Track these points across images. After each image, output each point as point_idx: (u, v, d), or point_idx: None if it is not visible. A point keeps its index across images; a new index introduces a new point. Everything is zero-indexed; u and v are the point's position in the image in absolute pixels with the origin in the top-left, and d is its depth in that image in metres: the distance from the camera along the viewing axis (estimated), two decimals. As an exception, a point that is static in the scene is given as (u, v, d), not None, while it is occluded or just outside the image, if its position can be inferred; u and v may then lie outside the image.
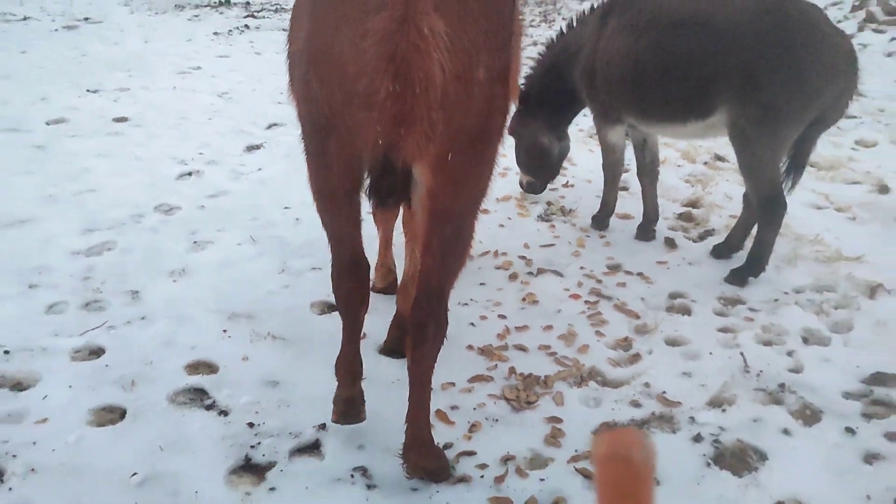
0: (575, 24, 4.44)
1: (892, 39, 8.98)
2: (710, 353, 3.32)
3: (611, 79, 4.08)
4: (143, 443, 2.69)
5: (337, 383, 2.73)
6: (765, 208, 3.88)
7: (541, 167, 4.69)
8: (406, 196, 2.46)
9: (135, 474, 2.55)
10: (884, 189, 5.17)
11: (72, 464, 2.59)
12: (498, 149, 2.46)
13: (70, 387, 2.96)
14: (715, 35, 3.74)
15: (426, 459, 2.58)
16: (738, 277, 3.93)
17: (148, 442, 2.70)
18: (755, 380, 3.14)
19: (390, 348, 3.30)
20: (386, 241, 3.67)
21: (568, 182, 5.16)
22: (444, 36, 1.97)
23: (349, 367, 2.74)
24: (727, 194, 4.94)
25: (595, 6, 4.35)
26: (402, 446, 2.61)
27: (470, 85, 2.13)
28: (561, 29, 4.56)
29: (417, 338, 2.49)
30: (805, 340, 3.45)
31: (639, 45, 3.97)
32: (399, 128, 2.02)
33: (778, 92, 3.60)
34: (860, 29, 9.51)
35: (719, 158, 5.58)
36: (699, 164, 5.47)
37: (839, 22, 9.98)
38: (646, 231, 4.42)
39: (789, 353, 3.34)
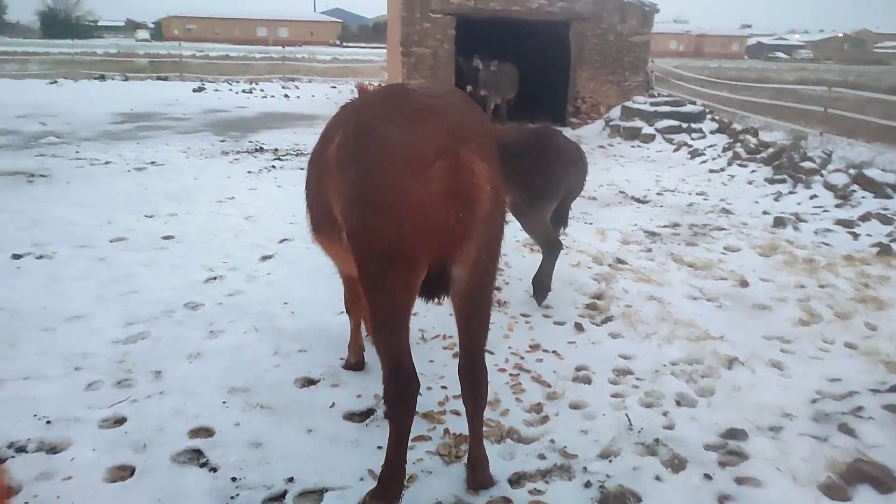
0: None
1: (752, 171, 9.23)
2: (604, 415, 3.25)
3: None
4: (146, 496, 2.58)
5: (379, 483, 2.52)
6: (547, 249, 4.55)
7: None
8: (447, 291, 2.44)
9: (134, 522, 2.43)
10: (744, 283, 5.21)
11: (85, 514, 2.47)
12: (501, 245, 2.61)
13: (94, 450, 2.85)
14: (504, 151, 4.29)
15: (488, 472, 2.69)
16: (538, 296, 4.59)
17: (150, 495, 2.58)
18: (637, 435, 3.06)
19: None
20: (356, 325, 3.64)
21: (505, 281, 5.16)
22: (487, 174, 2.19)
23: (398, 476, 2.51)
24: (625, 289, 4.95)
25: None
26: (469, 465, 2.71)
27: (499, 206, 2.35)
28: None
29: (475, 392, 2.60)
30: (678, 403, 3.39)
31: None
32: (460, 244, 2.22)
33: (542, 185, 4.33)
34: (729, 164, 9.79)
35: (620, 261, 5.62)
36: (605, 266, 5.50)
37: (714, 159, 10.31)
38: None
39: (665, 414, 3.27)
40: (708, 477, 2.75)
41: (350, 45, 69.16)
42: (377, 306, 2.33)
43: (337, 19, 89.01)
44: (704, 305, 4.76)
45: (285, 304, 4.50)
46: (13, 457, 2.79)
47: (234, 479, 2.69)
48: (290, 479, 2.70)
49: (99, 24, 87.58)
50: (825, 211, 7.43)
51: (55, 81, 21.12)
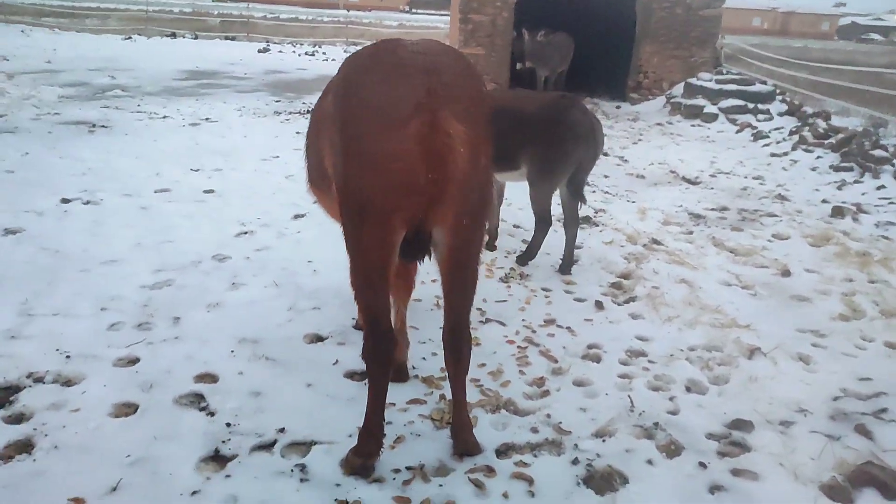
0: None
1: (818, 157, 8.71)
2: (607, 394, 3.17)
3: None
4: (145, 432, 2.69)
5: (358, 443, 2.54)
6: (540, 222, 4.63)
7: None
8: (428, 252, 2.47)
9: (129, 456, 2.54)
10: (786, 273, 4.96)
11: (86, 445, 2.60)
12: (489, 213, 2.66)
13: (104, 386, 2.99)
14: (520, 120, 4.34)
15: (472, 437, 2.67)
16: (520, 261, 4.77)
17: (147, 432, 2.69)
18: (637, 417, 2.98)
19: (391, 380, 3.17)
20: None
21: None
22: (464, 136, 2.14)
23: (377, 437, 2.54)
24: (655, 270, 4.79)
25: None
26: (451, 429, 2.70)
27: (478, 169, 2.28)
28: None
29: (457, 356, 2.56)
30: (688, 389, 3.28)
31: None
32: (433, 204, 2.21)
33: (551, 155, 4.34)
34: (794, 148, 9.27)
35: (656, 242, 5.44)
36: (639, 246, 5.33)
37: (779, 143, 9.81)
38: (493, 239, 5.06)
39: (671, 399, 3.16)
40: (703, 465, 2.65)
41: (420, 11, 68.60)
42: (355, 262, 2.37)
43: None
44: (738, 293, 4.55)
45: (309, 262, 4.57)
46: (30, 386, 2.95)
47: (228, 425, 2.77)
48: (282, 430, 2.76)
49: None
50: (891, 203, 6.94)
51: (129, 37, 21.88)
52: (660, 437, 2.84)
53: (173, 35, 23.71)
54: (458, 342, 2.54)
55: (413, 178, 2.12)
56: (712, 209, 6.65)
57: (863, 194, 7.33)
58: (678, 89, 12.58)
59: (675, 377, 3.36)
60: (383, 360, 2.45)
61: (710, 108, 11.44)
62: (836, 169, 8.17)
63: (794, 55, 22.42)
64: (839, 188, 7.60)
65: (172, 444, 2.63)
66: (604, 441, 2.80)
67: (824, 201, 7.04)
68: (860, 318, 4.25)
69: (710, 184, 7.76)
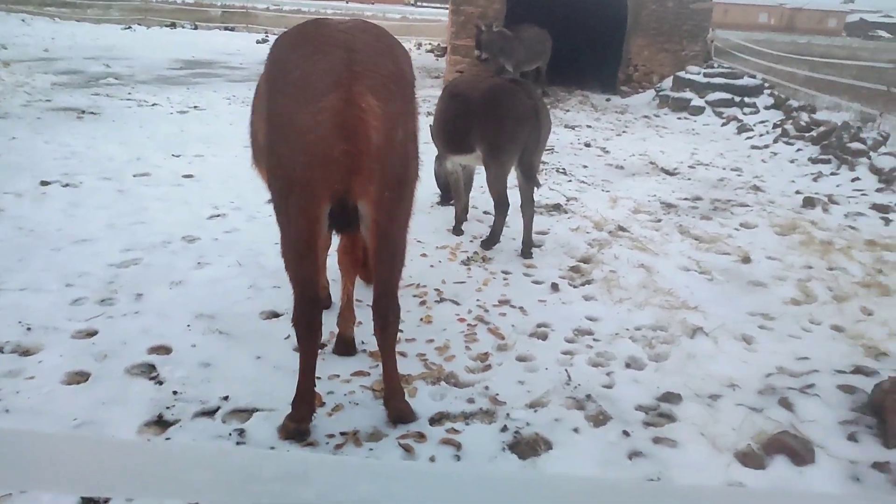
0: None
1: (798, 150, 8.77)
2: (546, 369, 3.28)
3: (436, 129, 5.00)
4: (93, 399, 2.81)
5: (292, 409, 2.62)
6: (498, 205, 4.75)
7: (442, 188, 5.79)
8: (356, 224, 2.57)
9: (75, 419, 2.66)
10: (746, 260, 5.05)
11: (36, 408, 2.71)
12: (414, 186, 2.72)
13: (60, 356, 3.11)
14: (468, 104, 4.57)
15: (402, 404, 2.76)
16: (485, 245, 4.86)
17: (96, 398, 2.81)
18: (571, 390, 3.08)
19: (336, 352, 3.31)
20: (321, 264, 3.75)
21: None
22: (377, 110, 2.25)
23: (307, 402, 2.63)
24: (616, 255, 4.89)
25: None
26: (383, 398, 2.80)
27: (394, 143, 2.37)
28: None
29: (382, 323, 2.66)
30: (627, 365, 3.38)
31: (442, 107, 4.92)
32: (350, 176, 2.32)
33: (496, 137, 4.45)
34: (775, 141, 9.33)
35: (622, 229, 5.53)
36: (604, 232, 5.42)
37: (762, 136, 9.86)
38: (459, 223, 5.24)
39: (608, 374, 3.27)
40: (626, 434, 2.76)
41: (425, 4, 68.46)
42: (283, 232, 2.49)
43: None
44: (695, 277, 4.65)
45: (276, 243, 4.57)
46: (-11, 355, 3.07)
47: (175, 393, 2.89)
48: (226, 398, 2.87)
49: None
50: (863, 195, 7.01)
51: (129, 27, 21.99)
52: (590, 407, 2.95)
53: (173, 25, 23.80)
54: (384, 310, 2.64)
55: (328, 149, 2.23)
56: (685, 199, 6.73)
57: (837, 186, 7.40)
58: (667, 83, 12.63)
59: (616, 354, 3.46)
60: (311, 326, 2.57)
61: (698, 101, 11.49)
62: (815, 161, 8.24)
63: (797, 51, 22.38)
64: (815, 180, 7.67)
65: (119, 409, 2.75)
66: (535, 411, 2.91)
67: (798, 192, 7.11)
68: (812, 303, 4.34)
69: (687, 175, 7.83)
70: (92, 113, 8.69)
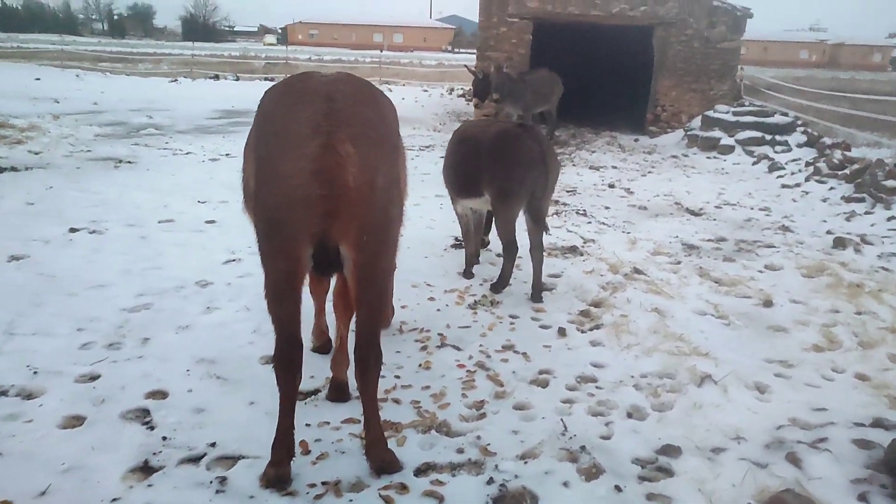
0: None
1: (831, 188, 8.52)
2: (543, 418, 3.18)
3: (445, 173, 5.06)
4: (84, 443, 2.83)
5: (271, 452, 2.61)
6: (507, 249, 4.71)
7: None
8: (339, 268, 2.62)
9: (63, 464, 2.68)
10: (768, 303, 4.87)
11: (28, 452, 2.75)
12: (398, 232, 2.78)
13: (61, 400, 3.16)
14: (477, 148, 4.60)
15: (384, 453, 2.71)
16: (494, 289, 4.81)
17: (87, 442, 2.84)
18: (566, 441, 2.98)
19: (330, 398, 3.29)
20: (319, 309, 3.77)
21: (510, 283, 5.12)
22: (355, 157, 2.34)
23: (286, 445, 2.63)
24: (629, 299, 4.77)
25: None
26: (364, 446, 2.77)
27: (374, 189, 2.43)
28: None
29: (363, 368, 2.64)
30: (629, 415, 3.26)
31: (451, 152, 4.97)
32: (327, 219, 2.37)
33: (504, 182, 4.45)
34: (807, 179, 9.09)
35: (638, 271, 5.42)
36: (619, 275, 5.32)
37: (793, 174, 9.64)
38: (469, 266, 5.22)
39: (607, 424, 3.15)
40: (618, 489, 2.63)
41: (461, 51, 70.13)
42: (266, 273, 2.54)
43: (450, 26, 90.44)
44: (710, 322, 4.50)
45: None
46: (-7, 399, 3.15)
47: (164, 438, 2.90)
48: (213, 444, 2.87)
49: (235, 29, 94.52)
50: (899, 234, 6.74)
51: (175, 80, 23.06)
52: (583, 460, 2.84)
53: (216, 77, 24.89)
54: (363, 356, 2.63)
55: (307, 193, 2.31)
56: (709, 240, 6.58)
57: (871, 225, 7.13)
58: (696, 122, 12.52)
59: (618, 403, 3.34)
60: (290, 366, 2.58)
61: (727, 140, 11.33)
62: (848, 200, 7.99)
63: (839, 87, 21.95)
64: (848, 219, 7.42)
65: (108, 454, 2.77)
66: (525, 463, 2.81)
67: (828, 232, 6.88)
68: (835, 350, 4.15)
69: (713, 215, 7.68)
70: (129, 162, 9.07)
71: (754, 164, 10.58)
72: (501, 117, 11.33)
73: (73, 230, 5.80)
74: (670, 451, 2.90)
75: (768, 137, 11.11)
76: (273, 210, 2.41)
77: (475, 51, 13.99)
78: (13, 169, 8.12)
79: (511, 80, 11.46)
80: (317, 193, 2.29)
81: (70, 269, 4.89)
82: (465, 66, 11.90)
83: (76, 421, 3.01)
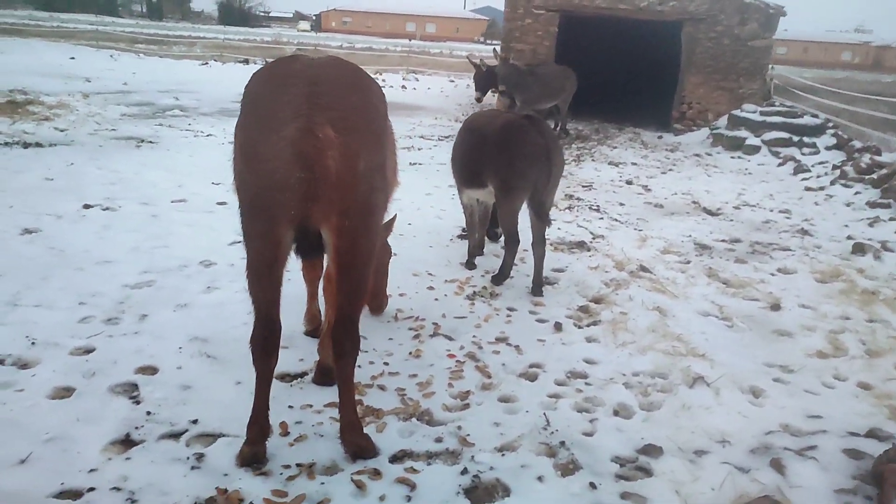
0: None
1: (856, 193, 8.28)
2: (527, 412, 3.16)
3: (452, 163, 5.07)
4: (70, 414, 2.88)
5: (247, 431, 2.65)
6: (508, 241, 4.71)
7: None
8: (321, 252, 2.64)
9: (47, 433, 2.74)
10: (775, 307, 4.76)
11: (15, 420, 2.81)
12: (380, 218, 2.75)
13: (53, 371, 3.22)
14: (482, 139, 4.58)
15: (358, 439, 2.71)
16: (494, 281, 4.81)
17: (73, 413, 2.89)
18: (547, 436, 2.95)
19: (315, 381, 3.32)
20: (311, 293, 3.78)
21: (511, 276, 5.07)
22: (335, 140, 2.31)
23: (260, 424, 2.65)
24: (631, 296, 4.70)
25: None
26: (339, 431, 2.74)
27: (355, 173, 2.40)
28: None
29: (338, 352, 2.64)
30: (616, 413, 3.21)
31: (458, 141, 4.97)
32: (306, 203, 2.35)
33: (506, 174, 4.42)
34: (832, 183, 8.85)
35: (644, 269, 5.33)
36: (624, 272, 5.24)
37: (819, 177, 9.40)
38: (472, 257, 5.21)
39: (592, 421, 3.11)
40: (592, 486, 2.60)
41: (493, 42, 69.72)
42: (247, 255, 2.55)
43: (484, 17, 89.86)
44: (713, 323, 4.41)
45: (287, 270, 4.73)
46: (-11, 367, 3.23)
47: (148, 413, 2.94)
48: (195, 421, 2.90)
49: (270, 14, 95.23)
50: (923, 242, 6.52)
51: (206, 63, 23.30)
52: (562, 455, 2.81)
53: (246, 61, 25.06)
54: (340, 337, 2.63)
55: (286, 176, 2.29)
56: (722, 240, 6.44)
57: (895, 232, 6.92)
58: (723, 121, 12.26)
59: (605, 400, 3.30)
60: (266, 347, 2.60)
61: (753, 140, 11.08)
62: (873, 205, 7.76)
63: (880, 91, 21.27)
64: (870, 225, 7.20)
65: (91, 426, 2.82)
66: (503, 455, 2.79)
67: (849, 237, 6.68)
68: (840, 357, 4.04)
69: (730, 215, 7.52)
70: (150, 142, 9.19)
71: (779, 165, 10.33)
72: (507, 107, 11.09)
73: (86, 206, 5.90)
74: (652, 451, 2.85)
75: (796, 139, 10.84)
76: (254, 192, 2.41)
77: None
78: (38, 145, 8.29)
79: (518, 71, 10.94)
80: (296, 177, 2.28)
81: (80, 244, 4.98)
82: (468, 56, 11.74)
83: (65, 392, 3.07)
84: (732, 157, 11.04)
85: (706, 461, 2.80)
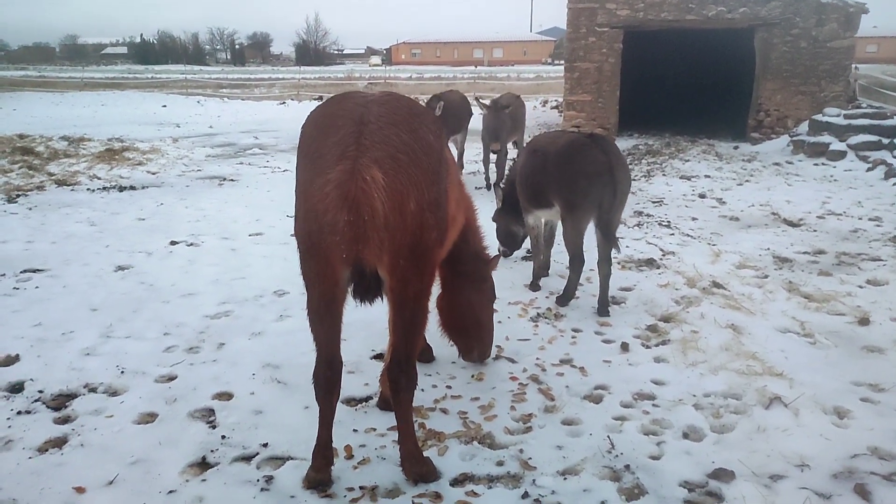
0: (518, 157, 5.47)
1: (956, 195, 7.64)
2: (591, 434, 3.09)
3: (518, 184, 5.04)
4: (152, 437, 3.07)
5: (312, 458, 2.73)
6: (573, 262, 4.65)
7: (508, 243, 5.74)
8: (379, 293, 2.62)
9: (132, 456, 2.93)
10: (864, 322, 4.46)
11: (105, 444, 3.02)
12: (434, 256, 2.68)
13: (140, 398, 3.45)
14: (545, 159, 4.60)
15: (418, 467, 2.74)
16: (559, 302, 4.78)
17: (155, 437, 3.07)
18: (611, 459, 2.87)
19: (379, 407, 3.37)
20: None
21: (577, 296, 5.00)
22: (382, 182, 2.30)
23: (325, 453, 2.73)
24: (703, 314, 4.53)
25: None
26: (400, 461, 2.79)
27: (404, 214, 2.39)
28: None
29: (394, 388, 2.69)
30: (685, 435, 3.09)
31: (522, 163, 4.99)
32: (357, 244, 2.34)
33: (569, 193, 4.43)
34: (929, 186, 8.21)
35: (717, 285, 5.12)
36: (696, 289, 5.05)
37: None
38: (536, 278, 5.26)
39: (659, 444, 3.00)
40: (658, 512, 2.51)
41: (560, 62, 69.48)
42: (307, 294, 2.59)
43: (550, 38, 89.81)
44: (793, 340, 4.18)
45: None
46: (84, 395, 3.49)
47: (223, 437, 3.09)
48: (265, 445, 3.02)
49: (344, 52, 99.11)
50: None
51: (284, 102, 24.46)
52: (626, 479, 2.73)
53: (320, 98, 26.14)
54: (395, 376, 2.65)
55: (335, 219, 2.28)
56: (804, 252, 6.11)
57: None
58: (803, 127, 11.66)
59: (674, 422, 3.18)
60: (328, 384, 2.65)
61: (838, 146, 10.47)
62: (977, 208, 7.14)
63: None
64: (975, 230, 6.63)
65: (172, 449, 2.99)
66: (565, 479, 2.74)
67: (949, 245, 6.18)
68: (938, 374, 3.72)
69: (813, 226, 7.12)
70: (232, 180, 9.73)
71: (868, 170, 9.70)
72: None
73: (173, 243, 6.30)
74: (723, 475, 2.72)
75: (886, 141, 10.16)
76: (307, 234, 2.44)
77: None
78: (132, 188, 8.96)
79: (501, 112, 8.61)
80: (344, 219, 2.27)
81: (167, 278, 5.32)
82: (476, 98, 9.56)
83: (150, 417, 3.27)
84: (815, 165, 10.46)
85: (782, 486, 2.64)
